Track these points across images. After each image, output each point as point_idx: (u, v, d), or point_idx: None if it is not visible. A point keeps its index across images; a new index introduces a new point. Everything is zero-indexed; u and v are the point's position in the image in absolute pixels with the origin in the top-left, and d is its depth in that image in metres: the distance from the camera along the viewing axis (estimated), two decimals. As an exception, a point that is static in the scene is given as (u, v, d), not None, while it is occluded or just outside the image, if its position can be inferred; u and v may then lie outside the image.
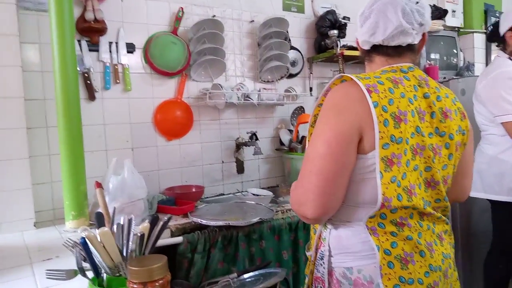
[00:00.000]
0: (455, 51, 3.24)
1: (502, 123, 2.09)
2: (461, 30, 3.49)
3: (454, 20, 3.39)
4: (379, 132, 0.95)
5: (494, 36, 2.31)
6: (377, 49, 1.11)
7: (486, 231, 2.45)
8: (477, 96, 2.24)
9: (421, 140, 1.01)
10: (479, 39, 3.54)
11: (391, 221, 1.00)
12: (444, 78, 2.81)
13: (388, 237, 0.99)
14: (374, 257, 0.99)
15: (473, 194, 2.20)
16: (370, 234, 0.99)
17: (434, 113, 1.05)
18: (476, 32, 3.49)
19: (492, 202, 2.25)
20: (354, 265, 1.02)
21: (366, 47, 1.12)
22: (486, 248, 2.36)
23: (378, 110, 0.95)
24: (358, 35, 1.13)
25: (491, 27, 2.38)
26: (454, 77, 2.80)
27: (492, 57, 3.58)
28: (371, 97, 0.96)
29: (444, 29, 3.12)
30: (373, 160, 0.96)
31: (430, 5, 2.99)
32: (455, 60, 3.23)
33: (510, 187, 2.14)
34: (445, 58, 3.16)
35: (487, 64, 3.58)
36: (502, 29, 2.21)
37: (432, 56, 3.05)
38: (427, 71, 2.85)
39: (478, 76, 2.31)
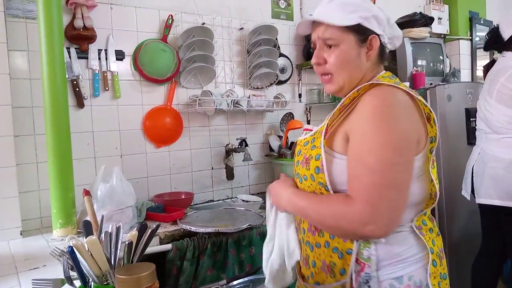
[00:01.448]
0: (441, 57, 3.29)
1: None
2: (447, 37, 3.55)
3: (440, 27, 3.45)
4: (429, 133, 0.97)
5: (494, 44, 2.24)
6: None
7: (474, 234, 2.48)
8: (498, 94, 2.08)
9: None
10: (465, 46, 3.60)
11: (428, 217, 1.04)
12: (431, 84, 2.85)
13: (429, 235, 1.01)
14: (421, 259, 0.98)
15: (482, 201, 2.15)
16: (419, 235, 0.98)
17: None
18: (461, 39, 3.55)
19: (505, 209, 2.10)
20: (404, 272, 0.96)
21: None
22: (474, 252, 2.38)
23: (427, 112, 0.97)
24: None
25: (488, 35, 2.29)
26: (441, 83, 2.84)
27: (479, 62, 3.65)
28: (418, 100, 0.95)
29: (430, 36, 3.16)
30: (421, 160, 0.96)
31: (416, 13, 3.02)
32: (441, 66, 3.27)
33: None
34: (431, 64, 3.20)
35: (472, 71, 3.64)
36: (508, 33, 2.12)
37: (419, 62, 3.09)
38: (413, 77, 2.89)
39: (464, 82, 2.30)
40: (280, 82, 2.75)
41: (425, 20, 3.06)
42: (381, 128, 0.89)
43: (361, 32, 1.01)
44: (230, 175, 2.50)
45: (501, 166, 2.09)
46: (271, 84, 2.66)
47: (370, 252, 0.95)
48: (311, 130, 1.11)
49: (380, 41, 1.04)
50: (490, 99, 2.13)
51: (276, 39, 2.62)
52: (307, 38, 2.80)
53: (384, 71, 1.07)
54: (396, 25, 1.08)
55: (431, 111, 0.97)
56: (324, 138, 0.98)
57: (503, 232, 2.19)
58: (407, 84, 2.71)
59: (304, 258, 1.08)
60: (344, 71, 1.02)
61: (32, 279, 0.99)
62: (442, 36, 3.49)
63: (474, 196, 2.24)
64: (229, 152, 2.48)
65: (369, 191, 0.86)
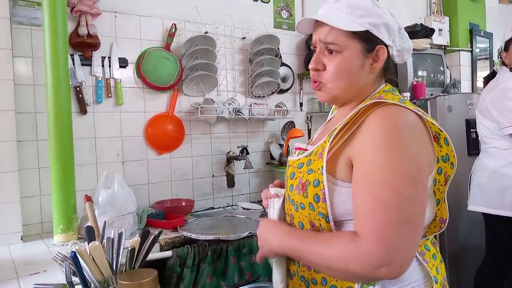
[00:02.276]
0: (441, 68, 3.31)
1: (510, 134, 2.08)
2: (447, 48, 3.58)
3: (440, 38, 3.48)
4: (437, 156, 0.90)
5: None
6: None
7: (476, 245, 2.47)
8: (482, 108, 2.22)
9: None
10: (465, 57, 3.63)
11: (431, 242, 0.97)
12: (431, 95, 2.87)
13: (433, 262, 0.93)
14: (423, 286, 0.90)
15: (472, 208, 2.24)
16: (422, 262, 0.90)
17: None
18: (462, 50, 3.59)
19: (490, 216, 2.19)
20: None
21: None
22: (475, 262, 2.38)
23: (434, 130, 0.89)
24: None
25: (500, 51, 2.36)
26: (441, 94, 2.86)
27: (479, 74, 3.68)
28: (426, 121, 0.87)
29: (431, 47, 3.20)
30: (430, 183, 0.89)
31: (417, 24, 3.02)
32: (441, 77, 3.30)
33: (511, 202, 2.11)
34: (432, 75, 3.23)
35: (473, 82, 3.67)
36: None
37: (420, 73, 3.11)
38: (414, 88, 2.91)
39: (464, 93, 2.35)
40: (282, 91, 2.76)
41: (426, 32, 3.10)
42: (394, 156, 0.79)
43: (368, 41, 0.90)
44: (231, 182, 2.50)
45: (485, 175, 2.21)
46: (272, 93, 2.67)
47: None
48: (305, 150, 0.98)
49: (388, 52, 0.93)
50: (478, 110, 2.29)
51: (278, 48, 2.64)
52: (309, 48, 2.82)
53: (384, 84, 0.98)
54: (407, 36, 0.98)
55: (441, 130, 0.90)
56: (325, 162, 0.86)
57: (501, 242, 2.21)
58: (408, 94, 2.74)
59: None
60: (341, 81, 0.92)
61: (34, 284, 0.99)
62: (443, 47, 3.53)
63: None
64: (230, 159, 2.49)
65: (383, 229, 0.76)
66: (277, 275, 1.00)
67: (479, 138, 2.32)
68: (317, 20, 0.94)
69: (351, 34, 0.89)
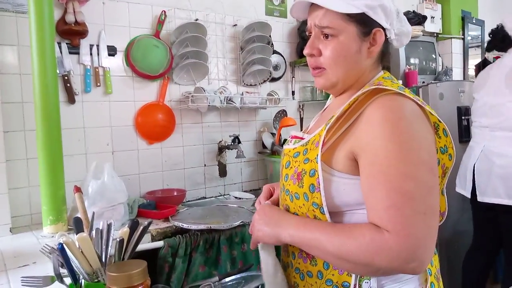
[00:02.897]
0: (433, 56, 3.31)
1: None
2: (439, 35, 3.57)
3: (433, 26, 3.46)
4: (436, 147, 0.88)
5: (500, 43, 2.23)
6: None
7: (464, 231, 2.50)
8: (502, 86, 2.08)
9: None
10: (457, 45, 3.62)
11: None
12: (423, 82, 2.87)
13: None
14: (416, 279, 0.87)
15: (495, 200, 2.10)
16: None
17: None
18: (454, 37, 3.58)
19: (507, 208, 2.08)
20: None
21: None
22: (464, 248, 2.41)
23: (433, 121, 0.88)
24: None
25: (492, 35, 2.29)
26: (433, 81, 2.86)
27: (471, 61, 3.68)
28: (428, 111, 0.85)
29: (423, 35, 3.18)
30: None
31: (409, 11, 2.99)
32: (433, 65, 3.30)
33: None
34: (424, 63, 3.23)
35: (464, 69, 3.67)
36: None
37: (412, 61, 3.10)
38: (406, 75, 2.90)
39: (456, 80, 2.29)
40: (274, 80, 2.74)
41: (418, 19, 3.08)
42: (409, 146, 0.76)
43: (365, 24, 0.87)
44: (222, 172, 2.49)
45: (509, 164, 2.05)
46: (264, 81, 2.65)
47: (371, 284, 0.84)
48: (302, 139, 0.95)
49: (386, 36, 0.91)
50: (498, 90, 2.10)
51: (270, 36, 2.61)
52: (301, 35, 2.79)
53: (383, 71, 0.95)
54: (406, 19, 0.95)
55: (440, 121, 0.89)
56: (321, 151, 0.84)
57: (502, 229, 2.18)
58: (400, 82, 2.73)
59: (292, 286, 0.96)
60: (339, 67, 0.89)
61: (21, 277, 0.98)
62: (435, 35, 3.51)
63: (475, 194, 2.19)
64: (222, 149, 2.47)
65: (412, 222, 0.73)
66: (270, 261, 0.97)
67: (489, 124, 2.15)
68: (312, 4, 0.91)
69: (347, 17, 0.86)
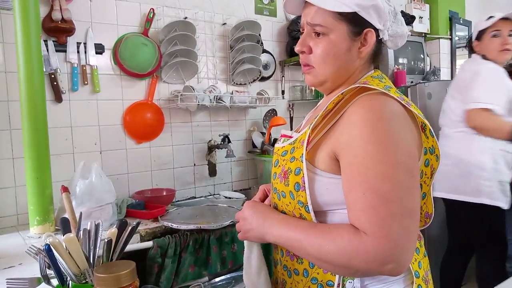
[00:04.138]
0: (422, 56, 3.34)
1: (467, 110, 2.05)
2: (427, 36, 3.61)
3: (421, 26, 3.50)
4: (425, 147, 0.88)
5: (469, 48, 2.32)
6: None
7: (441, 232, 2.52)
8: (454, 92, 2.20)
9: None
10: (445, 45, 3.67)
11: None
12: (412, 82, 2.90)
13: (415, 256, 0.88)
14: (403, 281, 0.86)
15: (437, 194, 2.18)
16: None
17: None
18: (442, 38, 3.62)
19: (454, 202, 2.18)
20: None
21: None
22: (441, 249, 2.43)
23: (420, 121, 0.87)
24: None
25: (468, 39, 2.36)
26: (421, 81, 2.89)
27: (458, 61, 3.73)
28: (412, 110, 0.84)
29: (411, 35, 3.21)
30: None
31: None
32: (422, 65, 3.33)
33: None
34: (412, 63, 3.26)
35: (452, 69, 3.72)
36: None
37: (400, 60, 3.13)
38: (395, 75, 2.93)
39: (444, 80, 2.35)
40: (263, 79, 2.74)
41: (407, 19, 3.11)
42: (387, 147, 0.76)
43: (356, 23, 0.86)
44: (212, 171, 2.48)
45: (449, 162, 2.13)
46: (254, 81, 2.64)
47: (354, 284, 0.84)
48: (290, 137, 0.94)
49: (378, 37, 0.89)
50: (448, 97, 2.24)
51: (259, 35, 2.60)
52: (291, 34, 2.79)
53: (373, 70, 0.94)
54: (403, 21, 0.93)
55: (426, 122, 0.88)
56: (306, 150, 0.83)
57: (467, 228, 2.23)
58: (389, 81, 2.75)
59: (281, 283, 0.96)
60: (328, 65, 0.88)
61: (7, 279, 0.96)
62: (423, 35, 3.55)
63: None
64: (211, 148, 2.46)
65: (388, 224, 0.73)
66: (254, 262, 0.97)
67: (441, 124, 2.27)
68: (306, 2, 0.90)
69: (338, 16, 0.86)
